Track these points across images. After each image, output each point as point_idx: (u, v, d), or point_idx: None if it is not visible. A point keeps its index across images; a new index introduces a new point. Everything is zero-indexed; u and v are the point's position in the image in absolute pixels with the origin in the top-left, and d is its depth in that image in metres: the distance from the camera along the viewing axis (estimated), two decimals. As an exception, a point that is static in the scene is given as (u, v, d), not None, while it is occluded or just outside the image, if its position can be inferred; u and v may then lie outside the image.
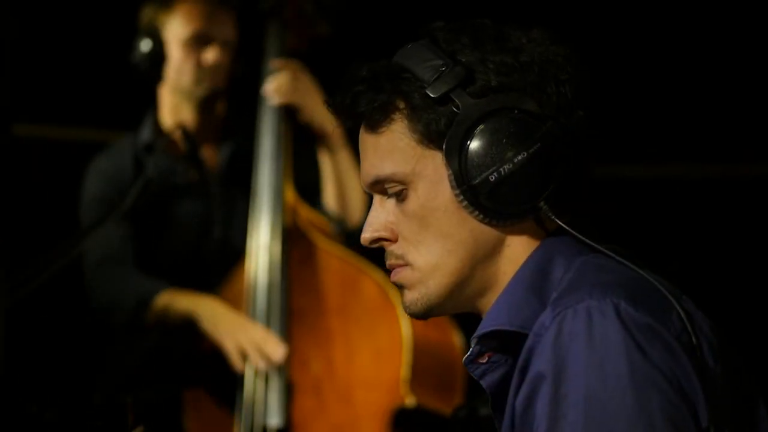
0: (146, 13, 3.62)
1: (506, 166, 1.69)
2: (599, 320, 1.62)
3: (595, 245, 1.72)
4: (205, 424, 3.44)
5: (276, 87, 3.58)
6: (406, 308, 1.80)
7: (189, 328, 3.45)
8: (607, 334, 1.61)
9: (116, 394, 3.25)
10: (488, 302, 1.77)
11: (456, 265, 1.75)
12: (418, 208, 1.75)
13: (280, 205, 3.51)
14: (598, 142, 1.74)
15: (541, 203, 1.72)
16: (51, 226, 3.83)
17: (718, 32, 4.36)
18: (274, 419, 3.37)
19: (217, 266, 3.56)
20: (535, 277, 1.73)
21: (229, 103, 3.70)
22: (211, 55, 3.59)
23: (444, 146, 1.71)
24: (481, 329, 1.75)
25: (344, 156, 3.59)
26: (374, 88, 1.74)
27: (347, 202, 3.60)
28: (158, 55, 3.59)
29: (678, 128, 4.45)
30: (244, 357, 3.37)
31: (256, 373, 3.38)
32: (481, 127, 1.70)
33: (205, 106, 3.64)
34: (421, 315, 1.79)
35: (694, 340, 1.63)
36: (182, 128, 3.58)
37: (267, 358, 3.36)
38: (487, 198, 1.71)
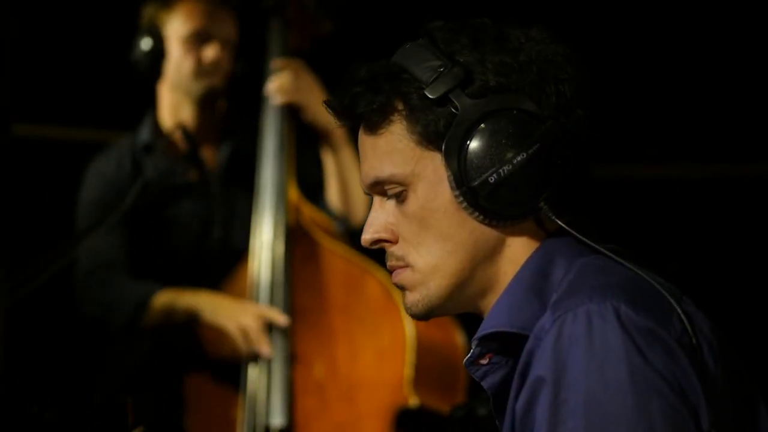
0: (147, 12, 3.63)
1: (506, 167, 1.69)
2: (599, 324, 1.61)
3: (596, 246, 1.71)
4: (208, 423, 3.45)
5: (278, 86, 3.58)
6: (407, 309, 1.80)
7: (189, 327, 3.46)
8: (607, 338, 1.60)
9: (116, 394, 3.25)
10: (489, 303, 1.77)
11: (456, 266, 1.74)
12: (417, 210, 1.75)
13: (283, 204, 3.51)
14: (598, 141, 1.74)
15: (541, 204, 1.71)
16: (51, 226, 3.84)
17: (718, 32, 4.35)
18: (277, 418, 3.37)
19: (218, 266, 3.56)
20: (535, 278, 1.73)
21: (229, 103, 3.70)
22: (210, 52, 3.60)
23: (443, 147, 1.71)
24: (482, 331, 1.74)
25: (347, 154, 3.59)
26: (373, 89, 1.74)
27: (350, 200, 3.60)
28: (159, 53, 3.60)
29: (678, 128, 4.44)
30: (248, 338, 3.38)
31: (259, 371, 3.38)
32: (480, 128, 1.69)
33: (204, 104, 3.64)
34: (422, 316, 1.79)
35: (694, 342, 1.63)
36: (182, 128, 3.59)
37: (272, 323, 3.37)
38: (486, 199, 1.70)
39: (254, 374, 3.39)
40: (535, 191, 1.70)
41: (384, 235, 1.78)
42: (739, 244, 4.40)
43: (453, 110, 1.70)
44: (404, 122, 1.73)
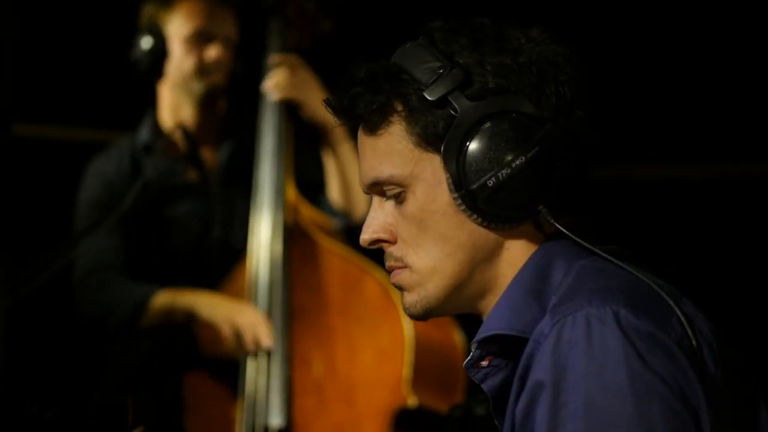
0: (147, 11, 3.62)
1: (504, 171, 1.68)
2: (598, 328, 1.61)
3: (594, 248, 1.71)
4: (207, 423, 3.44)
5: (275, 83, 3.57)
6: (405, 309, 1.79)
7: (187, 327, 3.46)
8: (607, 343, 1.60)
9: (116, 394, 3.26)
10: (488, 304, 1.77)
11: (454, 268, 1.74)
12: (416, 211, 1.75)
13: (281, 203, 3.51)
14: (598, 143, 1.74)
15: (540, 207, 1.71)
16: (51, 226, 3.84)
17: (718, 32, 4.35)
18: (276, 419, 3.37)
19: (218, 266, 3.56)
20: (534, 281, 1.73)
21: (230, 102, 3.70)
22: (212, 52, 3.59)
23: (442, 149, 1.71)
24: (481, 333, 1.74)
25: (347, 150, 3.58)
26: (372, 89, 1.73)
27: (351, 197, 3.60)
28: (160, 52, 3.59)
29: (678, 129, 4.44)
30: (240, 340, 3.38)
31: (257, 371, 3.38)
32: (479, 130, 1.69)
33: (205, 104, 3.63)
34: (420, 316, 1.79)
35: (694, 344, 1.63)
36: (182, 128, 3.58)
37: (257, 342, 3.36)
38: (485, 202, 1.70)
39: (253, 374, 3.39)
40: (534, 195, 1.70)
41: (383, 236, 1.78)
42: (739, 244, 4.40)
43: (452, 112, 1.70)
44: (403, 123, 1.73)
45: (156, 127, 3.64)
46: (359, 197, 3.58)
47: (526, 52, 1.71)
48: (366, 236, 1.79)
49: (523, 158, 1.68)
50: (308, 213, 3.57)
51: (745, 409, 1.70)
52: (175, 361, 3.48)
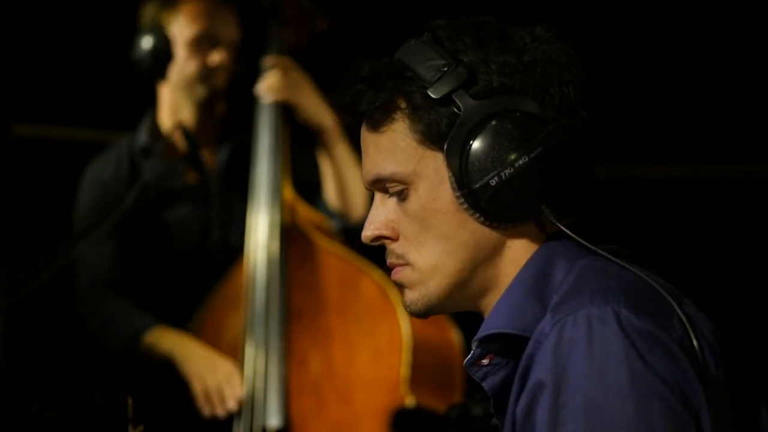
0: (148, 11, 3.60)
1: (507, 171, 1.68)
2: (599, 328, 1.61)
3: (595, 248, 1.71)
4: (205, 424, 3.44)
5: (267, 85, 3.57)
6: (406, 307, 1.80)
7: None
8: (607, 343, 1.60)
9: (116, 394, 3.25)
10: (489, 303, 1.77)
11: (456, 266, 1.74)
12: (419, 209, 1.74)
13: (278, 203, 3.50)
14: (601, 143, 1.73)
15: (543, 207, 1.71)
16: (51, 226, 3.83)
17: (721, 33, 4.35)
18: (274, 419, 3.36)
19: (217, 268, 3.56)
20: (535, 279, 1.73)
21: (229, 104, 3.69)
22: (217, 57, 3.58)
23: (445, 148, 1.71)
24: (482, 332, 1.74)
25: (342, 150, 3.57)
26: (375, 86, 1.73)
27: (348, 198, 3.59)
28: (163, 54, 3.58)
29: (681, 129, 4.44)
30: (209, 400, 3.37)
31: (255, 372, 3.38)
32: (483, 129, 1.69)
33: (205, 106, 3.63)
34: (421, 314, 1.79)
35: (695, 344, 1.62)
36: (182, 127, 3.57)
37: (223, 402, 3.36)
38: (487, 202, 1.70)
39: (250, 375, 3.38)
40: (537, 194, 1.70)
41: (384, 232, 1.78)
42: (741, 245, 4.40)
43: (456, 110, 1.70)
44: (407, 121, 1.73)
45: (155, 129, 3.63)
46: (356, 198, 3.58)
47: (530, 51, 1.71)
48: (368, 233, 1.79)
49: (527, 158, 1.68)
50: (305, 213, 3.57)
51: (746, 410, 1.70)
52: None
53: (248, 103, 3.60)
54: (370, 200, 1.82)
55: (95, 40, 4.19)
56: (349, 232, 3.54)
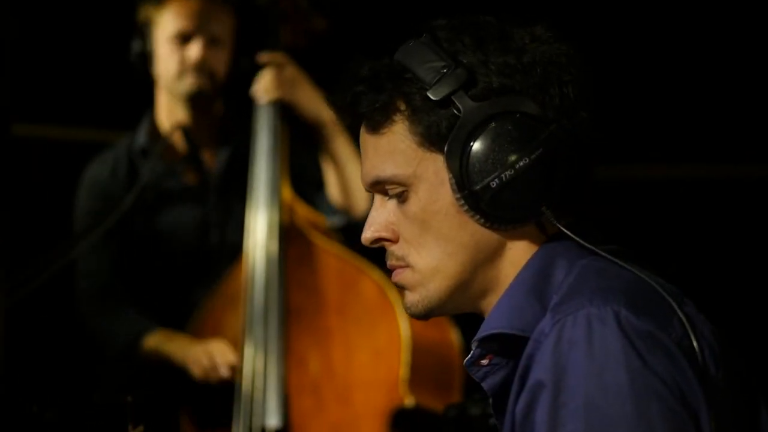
0: (140, 11, 3.60)
1: (508, 172, 1.68)
2: (599, 328, 1.61)
3: (595, 249, 1.71)
4: (203, 424, 3.44)
5: (261, 85, 3.56)
6: (406, 309, 1.79)
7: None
8: (607, 343, 1.60)
9: (116, 394, 3.25)
10: (490, 304, 1.77)
11: (456, 268, 1.74)
12: (419, 211, 1.74)
13: (276, 203, 3.50)
14: (602, 143, 1.73)
15: (543, 208, 1.71)
16: (51, 226, 3.83)
17: (721, 33, 4.35)
18: (273, 419, 3.36)
19: (216, 269, 3.56)
20: (536, 280, 1.73)
21: (228, 104, 3.69)
22: (192, 52, 3.55)
23: (445, 149, 1.70)
24: (482, 332, 1.74)
25: (342, 144, 3.56)
26: (375, 88, 1.73)
27: (350, 192, 3.58)
28: (147, 53, 3.58)
29: (681, 129, 4.44)
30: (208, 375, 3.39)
31: (254, 372, 3.38)
32: (483, 131, 1.69)
33: (196, 105, 3.60)
34: (421, 316, 1.79)
35: (695, 345, 1.62)
36: (182, 128, 3.57)
37: (216, 370, 3.38)
38: (488, 204, 1.70)
39: (249, 375, 3.38)
40: (538, 196, 1.70)
41: (384, 234, 1.78)
42: (742, 245, 4.40)
43: (455, 112, 1.69)
44: (406, 122, 1.73)
45: (153, 129, 3.63)
46: (358, 194, 3.57)
47: (530, 51, 1.71)
48: (368, 234, 1.78)
49: (527, 159, 1.68)
50: (304, 213, 3.56)
51: (746, 411, 1.70)
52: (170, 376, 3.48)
53: (247, 103, 3.60)
54: (372, 195, 1.82)
55: (95, 40, 4.19)
56: (353, 228, 3.53)
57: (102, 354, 3.57)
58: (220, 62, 3.60)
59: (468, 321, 1.85)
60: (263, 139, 3.55)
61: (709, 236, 4.39)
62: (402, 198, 1.75)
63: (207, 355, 3.38)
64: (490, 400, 1.80)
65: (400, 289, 1.80)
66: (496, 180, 1.68)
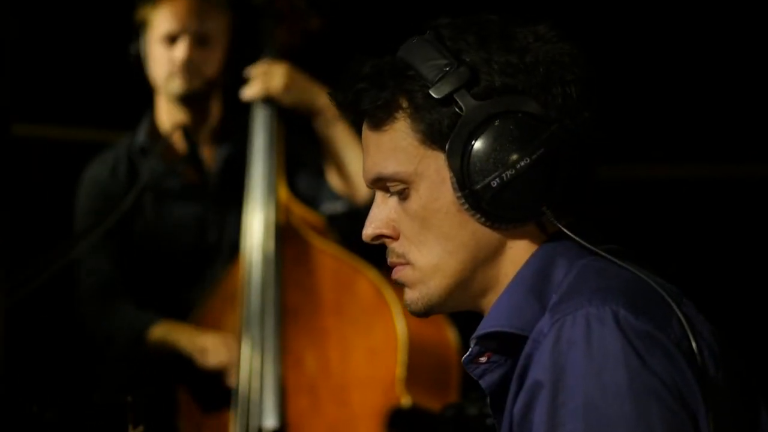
0: (138, 12, 3.60)
1: (509, 172, 1.68)
2: (598, 328, 1.61)
3: (595, 249, 1.71)
4: (201, 425, 3.44)
5: (249, 88, 3.56)
6: (407, 306, 1.80)
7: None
8: (606, 343, 1.60)
9: (116, 394, 3.25)
10: (490, 302, 1.77)
11: (457, 266, 1.74)
12: (419, 209, 1.74)
13: (273, 203, 3.50)
14: (604, 143, 1.73)
15: (544, 208, 1.71)
16: (51, 226, 3.83)
17: (723, 33, 4.36)
18: (270, 419, 3.36)
19: (213, 269, 3.56)
20: (535, 279, 1.73)
21: (226, 105, 3.68)
22: (179, 51, 3.54)
23: (447, 148, 1.71)
24: (481, 330, 1.74)
25: (339, 131, 3.54)
26: (377, 85, 1.73)
27: (351, 179, 3.56)
28: (141, 56, 3.58)
29: (683, 129, 4.44)
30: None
31: (251, 372, 3.38)
32: (485, 130, 1.69)
33: (191, 105, 3.60)
34: (421, 314, 1.79)
35: (694, 346, 1.62)
36: (182, 127, 3.56)
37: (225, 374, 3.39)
38: (489, 203, 1.70)
39: (246, 375, 3.38)
40: (538, 196, 1.70)
41: (385, 231, 1.78)
42: (742, 245, 4.40)
43: (457, 110, 1.69)
44: (408, 120, 1.73)
45: (153, 129, 3.63)
46: (358, 179, 3.55)
47: (533, 50, 1.71)
48: (369, 231, 1.78)
49: (528, 159, 1.68)
50: (300, 212, 3.56)
51: (746, 412, 1.69)
52: (171, 362, 3.48)
53: (246, 104, 3.60)
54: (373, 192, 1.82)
55: (95, 40, 4.18)
56: (355, 215, 3.53)
57: (103, 353, 3.57)
58: (211, 61, 3.59)
59: (466, 319, 1.85)
60: (259, 138, 3.55)
61: (709, 236, 4.39)
62: (403, 195, 1.75)
63: (216, 356, 3.38)
64: (488, 399, 1.80)
65: (400, 286, 1.79)
66: (497, 179, 1.68)
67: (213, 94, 3.64)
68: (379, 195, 1.79)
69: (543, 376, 1.62)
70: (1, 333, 2.23)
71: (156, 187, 3.56)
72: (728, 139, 4.43)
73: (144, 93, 3.65)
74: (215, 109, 3.67)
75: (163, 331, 3.46)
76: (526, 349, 1.67)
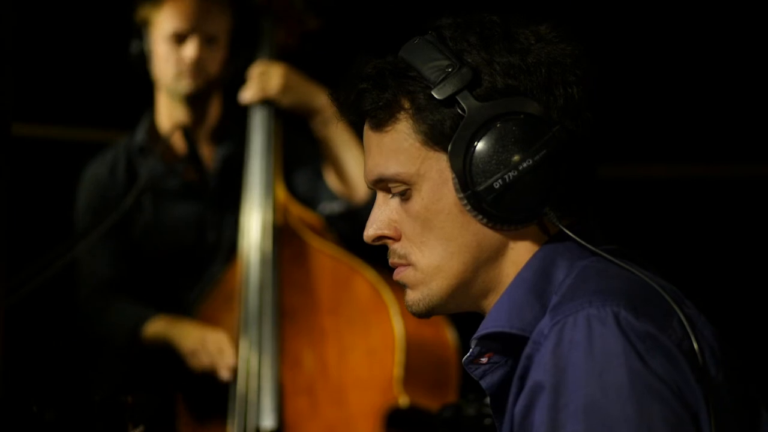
0: (138, 11, 3.60)
1: (511, 173, 1.68)
2: (599, 329, 1.61)
3: (596, 249, 1.71)
4: (199, 425, 3.44)
5: (245, 90, 3.56)
6: (408, 307, 1.79)
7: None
8: (607, 344, 1.60)
9: (116, 394, 3.25)
10: (491, 303, 1.77)
11: (458, 267, 1.74)
12: (421, 210, 1.74)
13: (270, 204, 3.50)
14: (605, 143, 1.73)
15: (546, 209, 1.71)
16: (51, 226, 3.82)
17: (723, 33, 4.36)
18: (268, 420, 3.36)
19: (212, 268, 3.55)
20: (536, 279, 1.73)
21: (225, 104, 3.68)
22: (188, 52, 3.55)
23: (449, 149, 1.70)
24: (481, 330, 1.74)
25: (337, 131, 3.54)
26: (379, 86, 1.73)
27: (349, 178, 3.57)
28: (143, 55, 3.58)
29: (679, 129, 4.44)
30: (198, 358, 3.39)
31: (248, 373, 3.38)
32: (487, 131, 1.69)
33: (194, 105, 3.61)
34: (423, 314, 1.79)
35: (695, 346, 1.62)
36: (182, 127, 3.56)
37: (218, 372, 3.38)
38: (491, 204, 1.70)
39: (244, 376, 3.38)
40: (540, 197, 1.70)
41: (387, 232, 1.78)
42: (743, 245, 4.40)
43: (460, 112, 1.69)
44: (410, 121, 1.73)
45: (153, 129, 3.63)
46: (357, 179, 3.56)
47: (535, 52, 1.71)
48: (370, 232, 1.78)
49: (530, 161, 1.68)
50: (298, 213, 3.56)
51: (747, 413, 1.70)
52: (170, 362, 3.48)
53: (245, 105, 3.60)
54: (375, 193, 1.82)
55: (95, 40, 4.18)
56: (353, 214, 3.53)
57: (103, 351, 3.57)
58: (216, 61, 3.60)
59: (466, 319, 1.85)
60: (257, 139, 3.55)
61: (709, 236, 4.39)
62: (405, 196, 1.75)
63: (209, 359, 3.38)
64: (488, 399, 1.80)
65: (401, 286, 1.79)
66: (499, 181, 1.68)
67: (212, 94, 3.65)
68: (381, 196, 1.79)
69: (544, 377, 1.62)
70: (1, 333, 2.23)
71: (155, 187, 3.56)
72: (726, 140, 4.43)
73: (144, 93, 3.65)
74: (214, 109, 3.67)
75: (158, 327, 3.46)
76: (527, 349, 1.68)
